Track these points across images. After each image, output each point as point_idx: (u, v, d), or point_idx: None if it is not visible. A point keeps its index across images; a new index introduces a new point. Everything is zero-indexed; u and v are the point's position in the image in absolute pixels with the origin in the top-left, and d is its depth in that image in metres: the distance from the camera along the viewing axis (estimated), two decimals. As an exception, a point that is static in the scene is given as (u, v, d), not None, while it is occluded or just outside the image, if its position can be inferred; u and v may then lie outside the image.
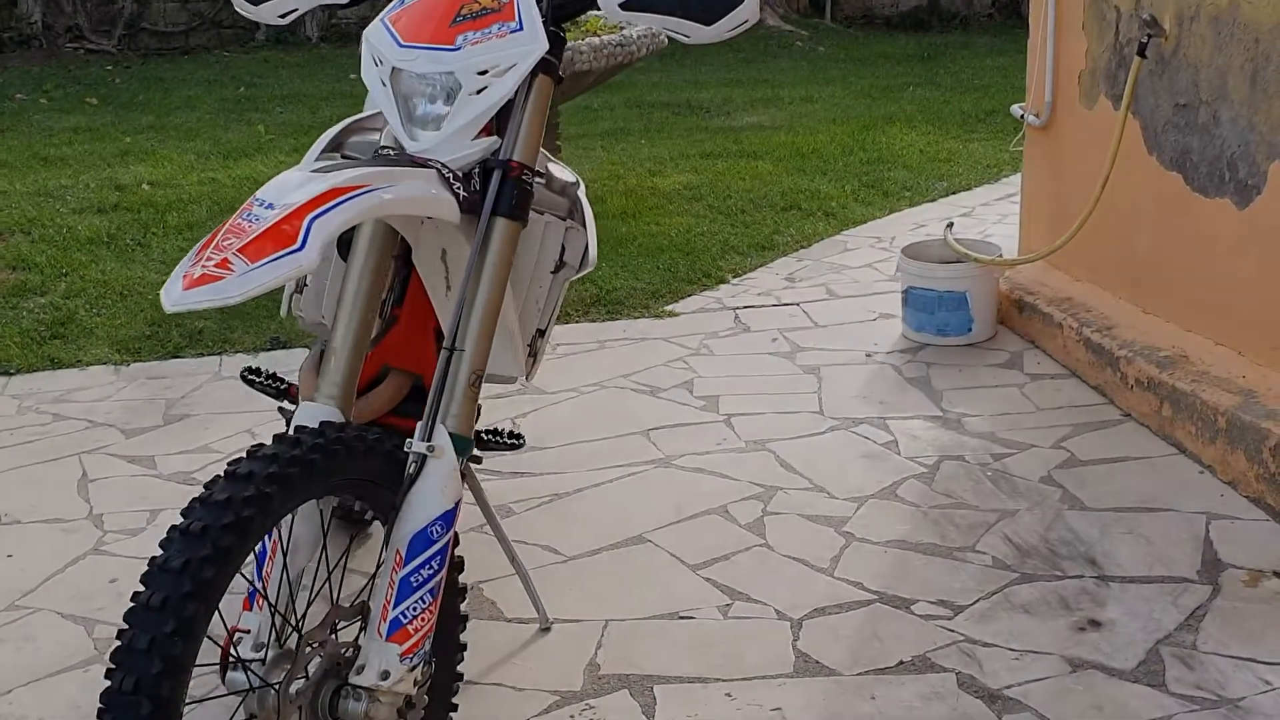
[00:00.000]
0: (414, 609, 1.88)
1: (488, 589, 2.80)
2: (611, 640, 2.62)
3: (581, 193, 2.23)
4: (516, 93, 2.05)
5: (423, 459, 1.89)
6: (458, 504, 1.92)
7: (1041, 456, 3.35)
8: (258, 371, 2.63)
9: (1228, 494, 3.12)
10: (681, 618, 2.70)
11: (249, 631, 1.88)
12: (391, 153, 2.02)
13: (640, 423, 3.64)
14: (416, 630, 1.88)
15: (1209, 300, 3.48)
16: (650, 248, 5.20)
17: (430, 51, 2.03)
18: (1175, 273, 3.61)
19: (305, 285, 2.37)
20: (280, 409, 2.70)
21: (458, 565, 2.04)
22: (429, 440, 1.91)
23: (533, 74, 2.06)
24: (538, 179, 2.21)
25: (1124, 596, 2.71)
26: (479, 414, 2.83)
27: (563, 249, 2.29)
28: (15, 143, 7.28)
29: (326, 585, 1.93)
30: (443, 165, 1.96)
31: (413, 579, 1.88)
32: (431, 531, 1.88)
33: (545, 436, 3.54)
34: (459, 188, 1.95)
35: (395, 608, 1.87)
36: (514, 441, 2.71)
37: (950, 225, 4.33)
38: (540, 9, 2.04)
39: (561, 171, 2.21)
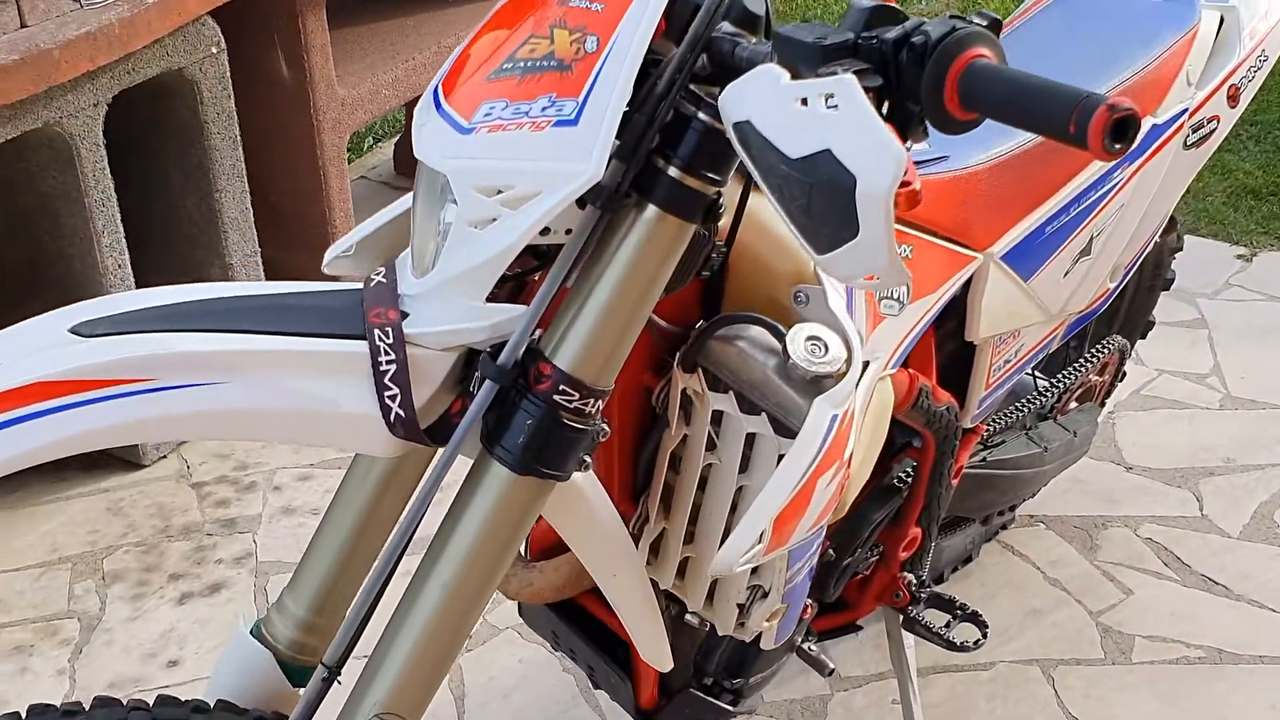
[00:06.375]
0: None
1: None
2: None
3: (829, 396, 1.12)
4: (581, 233, 1.02)
5: None
6: None
7: None
8: None
9: None
10: None
11: None
12: (374, 281, 1.10)
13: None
14: None
15: None
16: None
17: (443, 122, 1.05)
18: None
19: None
20: None
21: None
22: None
23: (639, 205, 1.03)
24: (767, 357, 1.17)
25: None
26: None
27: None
28: None
29: None
30: (388, 345, 1.02)
31: None
32: None
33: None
34: (396, 397, 1.01)
35: None
36: (956, 640, 1.71)
37: None
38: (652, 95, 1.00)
39: (813, 355, 1.12)
